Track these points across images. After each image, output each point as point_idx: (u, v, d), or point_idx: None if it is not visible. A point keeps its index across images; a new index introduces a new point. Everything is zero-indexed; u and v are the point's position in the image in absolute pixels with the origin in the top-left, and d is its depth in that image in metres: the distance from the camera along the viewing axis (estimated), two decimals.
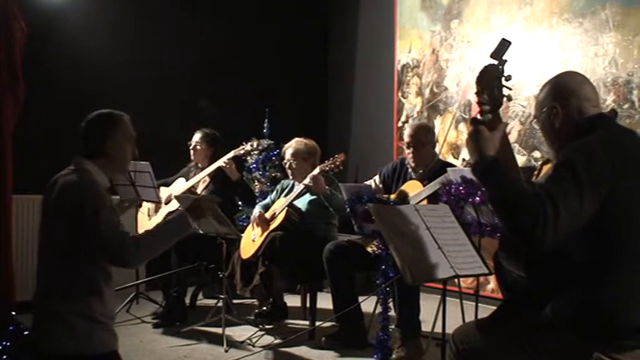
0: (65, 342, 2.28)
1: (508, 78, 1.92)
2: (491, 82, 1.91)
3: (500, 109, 1.94)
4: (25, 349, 2.87)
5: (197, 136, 4.77)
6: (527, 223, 1.66)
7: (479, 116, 1.91)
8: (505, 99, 1.91)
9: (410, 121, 5.83)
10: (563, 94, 1.94)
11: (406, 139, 3.90)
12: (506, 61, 1.94)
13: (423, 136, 3.87)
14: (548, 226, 1.65)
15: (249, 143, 4.51)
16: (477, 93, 1.91)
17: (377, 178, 4.12)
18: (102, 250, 2.32)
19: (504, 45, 1.95)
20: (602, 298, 1.75)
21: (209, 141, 4.74)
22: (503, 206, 1.75)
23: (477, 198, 3.08)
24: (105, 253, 2.34)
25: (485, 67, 1.93)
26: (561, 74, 2.06)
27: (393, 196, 3.81)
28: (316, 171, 4.02)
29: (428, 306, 3.83)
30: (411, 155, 3.87)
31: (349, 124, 6.77)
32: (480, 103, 1.91)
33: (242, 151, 4.54)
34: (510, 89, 1.92)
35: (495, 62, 1.94)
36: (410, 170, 3.91)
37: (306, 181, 4.04)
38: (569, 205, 1.68)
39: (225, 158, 4.47)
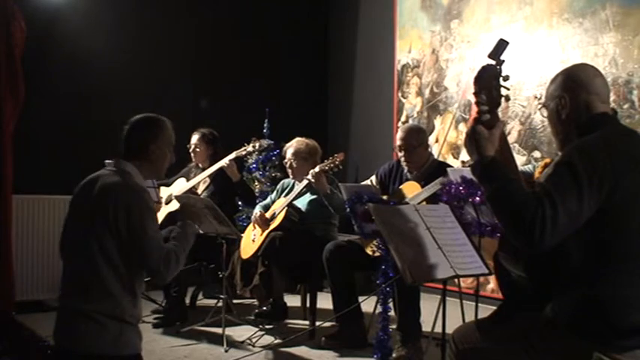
0: (93, 341, 2.24)
1: (506, 78, 1.92)
2: (489, 83, 1.90)
3: (500, 109, 1.94)
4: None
5: (195, 138, 4.75)
6: (525, 223, 1.66)
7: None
8: (503, 99, 1.91)
9: (410, 121, 5.84)
10: (574, 85, 1.94)
11: (398, 142, 3.89)
12: (503, 61, 1.94)
13: (415, 139, 3.84)
14: (546, 226, 1.65)
15: (251, 144, 4.50)
16: (474, 93, 1.91)
17: (373, 178, 4.11)
18: (142, 261, 2.32)
19: (502, 45, 1.95)
20: (602, 297, 1.75)
21: (208, 141, 4.73)
22: (502, 206, 1.75)
23: (477, 198, 3.08)
24: (145, 265, 2.33)
25: (483, 67, 1.93)
26: (575, 65, 2.07)
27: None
28: (317, 168, 4.02)
29: (428, 306, 3.82)
30: (403, 158, 3.86)
31: (349, 124, 6.77)
32: (478, 104, 1.91)
33: (244, 152, 4.53)
34: (508, 89, 1.92)
35: (493, 62, 1.94)
36: (406, 171, 3.91)
37: (309, 176, 4.03)
38: (568, 206, 1.68)
39: (226, 159, 4.46)
